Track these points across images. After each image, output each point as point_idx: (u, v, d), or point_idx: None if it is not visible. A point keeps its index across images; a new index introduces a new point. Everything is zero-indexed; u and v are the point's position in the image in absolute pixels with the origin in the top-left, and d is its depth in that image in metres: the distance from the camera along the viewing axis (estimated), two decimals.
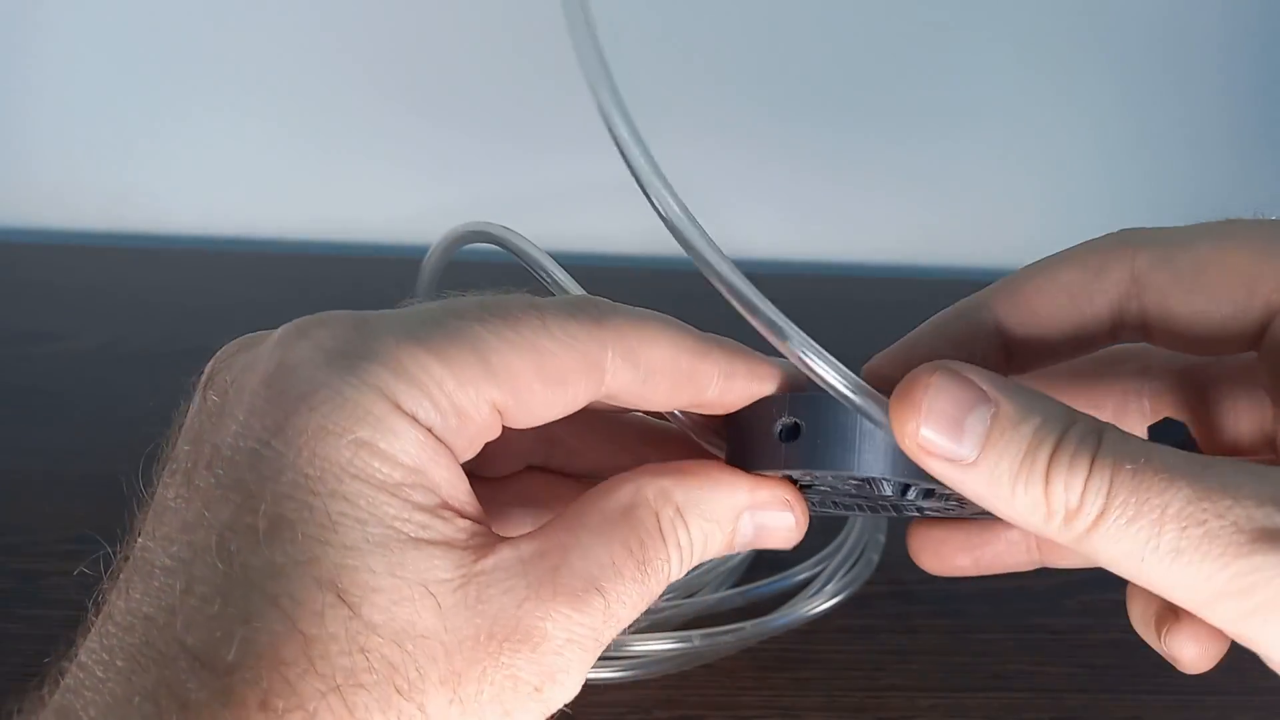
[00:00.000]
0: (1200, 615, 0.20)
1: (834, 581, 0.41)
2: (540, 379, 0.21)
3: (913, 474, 0.22)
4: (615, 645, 0.38)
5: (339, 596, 0.18)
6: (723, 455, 0.24)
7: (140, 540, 0.21)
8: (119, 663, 0.19)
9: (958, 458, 0.21)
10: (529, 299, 0.22)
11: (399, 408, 0.20)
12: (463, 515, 0.21)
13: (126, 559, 0.21)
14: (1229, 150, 0.70)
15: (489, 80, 0.67)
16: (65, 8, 0.64)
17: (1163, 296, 0.23)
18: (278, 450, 0.19)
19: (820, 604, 0.40)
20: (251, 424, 0.20)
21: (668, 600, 0.40)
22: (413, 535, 0.20)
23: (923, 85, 0.68)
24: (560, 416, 0.22)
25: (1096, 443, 0.20)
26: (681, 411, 0.24)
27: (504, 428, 0.22)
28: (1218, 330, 0.23)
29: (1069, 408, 0.21)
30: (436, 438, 0.20)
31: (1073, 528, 0.20)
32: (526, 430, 0.26)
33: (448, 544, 0.20)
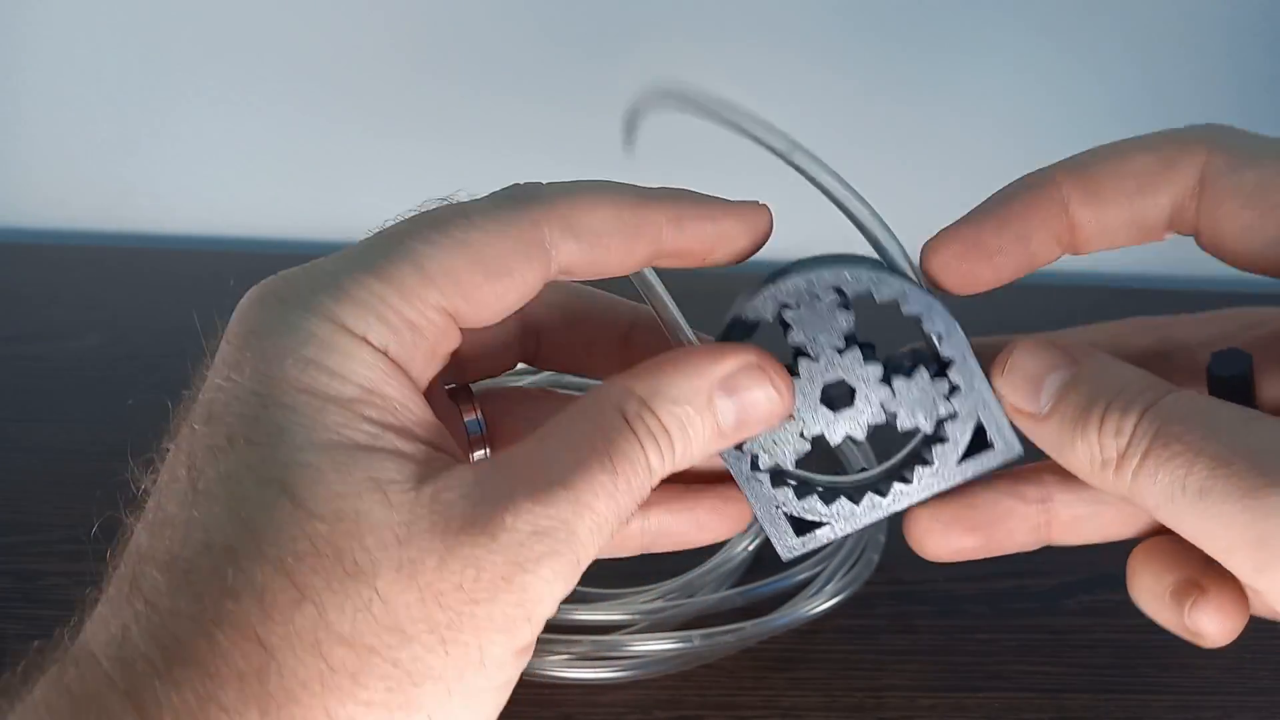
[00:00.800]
0: (1223, 564, 0.21)
1: (834, 581, 0.41)
2: (481, 271, 0.21)
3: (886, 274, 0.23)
4: (615, 645, 0.38)
5: (282, 490, 0.19)
6: None
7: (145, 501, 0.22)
8: (110, 592, 0.20)
9: (1034, 411, 0.23)
10: (455, 204, 0.23)
11: (347, 329, 0.21)
12: (420, 439, 0.21)
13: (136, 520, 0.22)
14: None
15: (490, 80, 0.67)
16: (65, 7, 0.64)
17: (1217, 204, 0.23)
18: (235, 380, 0.21)
19: (820, 604, 0.40)
20: (219, 368, 0.21)
21: (668, 600, 0.41)
22: (362, 442, 0.20)
23: (923, 62, 0.68)
24: (518, 305, 0.23)
25: (1155, 398, 0.21)
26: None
27: (463, 331, 0.22)
28: (1258, 253, 0.23)
29: (1147, 375, 0.22)
30: (392, 360, 0.21)
31: (1123, 471, 0.21)
32: (541, 400, 0.28)
33: (399, 454, 0.20)
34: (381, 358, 0.21)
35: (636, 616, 0.40)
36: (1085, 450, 0.22)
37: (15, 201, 0.71)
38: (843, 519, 0.26)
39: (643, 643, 0.38)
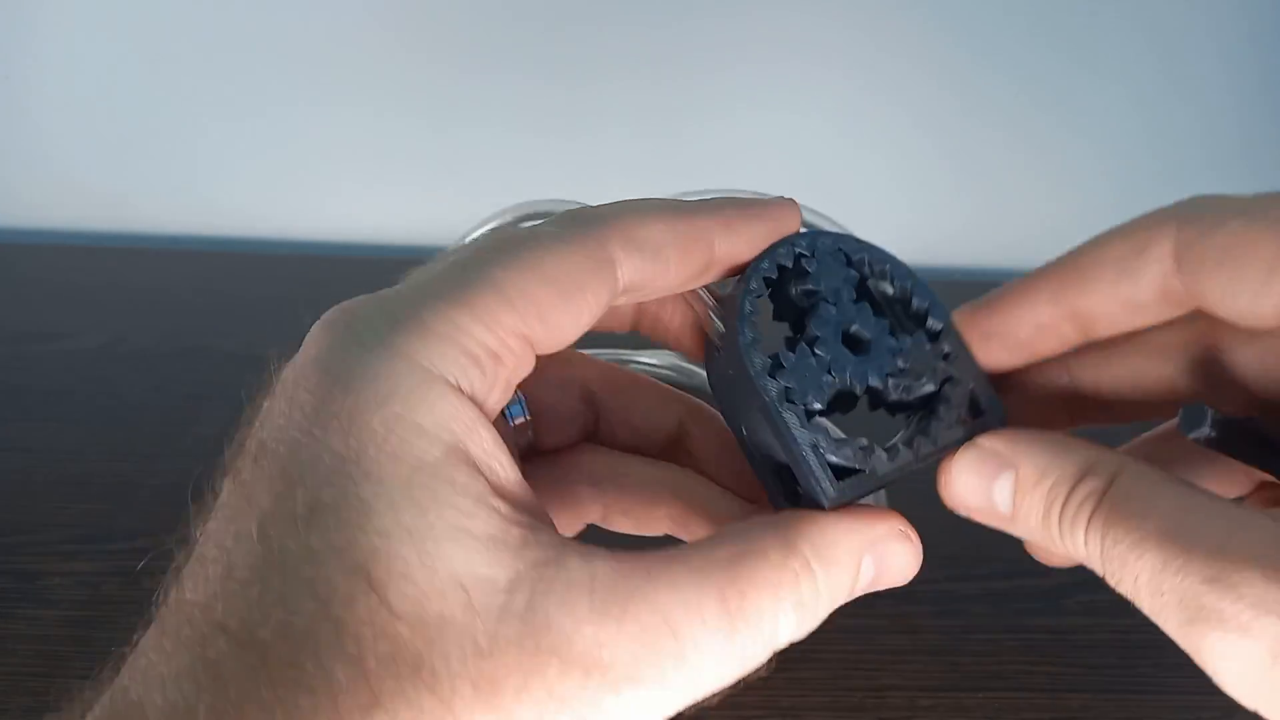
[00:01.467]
0: None
1: None
2: (557, 292, 0.21)
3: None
4: None
5: (369, 583, 0.18)
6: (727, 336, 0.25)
7: (198, 537, 0.21)
8: (166, 645, 0.19)
9: (1000, 517, 0.23)
10: (519, 229, 0.22)
11: (431, 373, 0.20)
12: (508, 498, 0.20)
13: (186, 557, 0.21)
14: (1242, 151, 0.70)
15: (492, 80, 0.67)
16: (66, 8, 0.64)
17: (1195, 275, 0.24)
18: (316, 436, 0.19)
19: None
20: (294, 415, 0.20)
21: None
22: (452, 524, 0.19)
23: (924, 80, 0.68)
24: (589, 325, 0.22)
25: (1095, 503, 0.22)
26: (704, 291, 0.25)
27: (537, 357, 0.22)
28: (1247, 310, 0.23)
29: (1084, 455, 0.22)
30: (476, 404, 0.20)
31: (1096, 569, 0.22)
32: (570, 394, 0.28)
33: (492, 539, 0.19)
34: (466, 404, 0.20)
35: None
36: (1064, 556, 0.23)
37: (15, 201, 0.71)
38: (879, 469, 0.25)
39: None
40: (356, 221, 0.71)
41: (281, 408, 0.20)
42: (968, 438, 0.25)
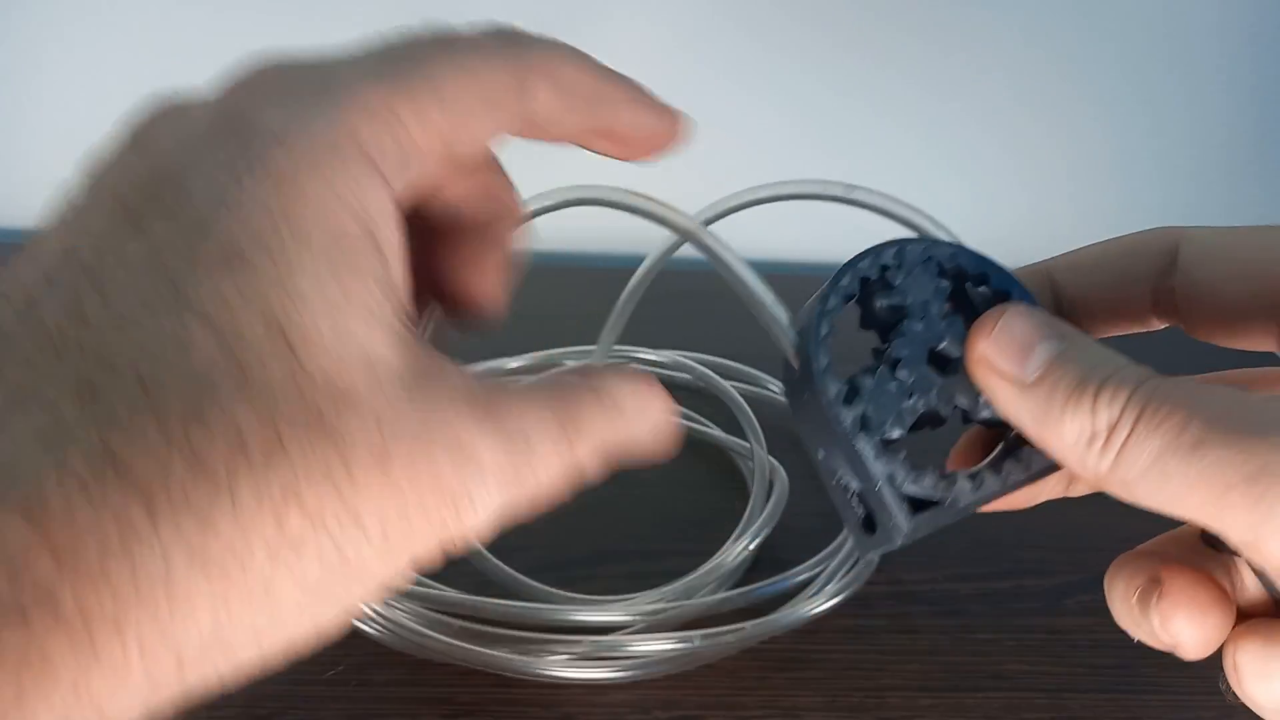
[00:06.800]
0: (1211, 523, 0.21)
1: (834, 581, 0.41)
2: (481, 101, 0.21)
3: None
4: (615, 645, 0.38)
5: (287, 344, 0.18)
6: None
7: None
8: (36, 358, 0.18)
9: (1019, 378, 0.23)
10: (450, 30, 0.23)
11: (364, 151, 0.20)
12: (401, 306, 0.20)
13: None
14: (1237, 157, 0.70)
15: None
16: (65, 7, 0.64)
17: (1193, 268, 0.25)
18: (247, 188, 0.19)
19: (820, 604, 0.40)
20: (220, 159, 0.19)
21: (668, 600, 0.41)
22: (366, 304, 0.19)
23: (923, 81, 0.68)
24: (487, 141, 0.22)
25: (1145, 376, 0.22)
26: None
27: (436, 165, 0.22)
28: (1231, 308, 0.25)
29: (1131, 360, 0.23)
30: (394, 201, 0.20)
31: (1110, 445, 0.22)
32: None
33: (394, 330, 0.20)
34: (388, 195, 0.20)
35: (637, 618, 0.40)
36: (1074, 424, 0.22)
37: (15, 201, 0.71)
38: (960, 500, 0.24)
39: (643, 643, 0.38)
40: None
41: (180, 133, 0.20)
42: (1033, 475, 0.24)
